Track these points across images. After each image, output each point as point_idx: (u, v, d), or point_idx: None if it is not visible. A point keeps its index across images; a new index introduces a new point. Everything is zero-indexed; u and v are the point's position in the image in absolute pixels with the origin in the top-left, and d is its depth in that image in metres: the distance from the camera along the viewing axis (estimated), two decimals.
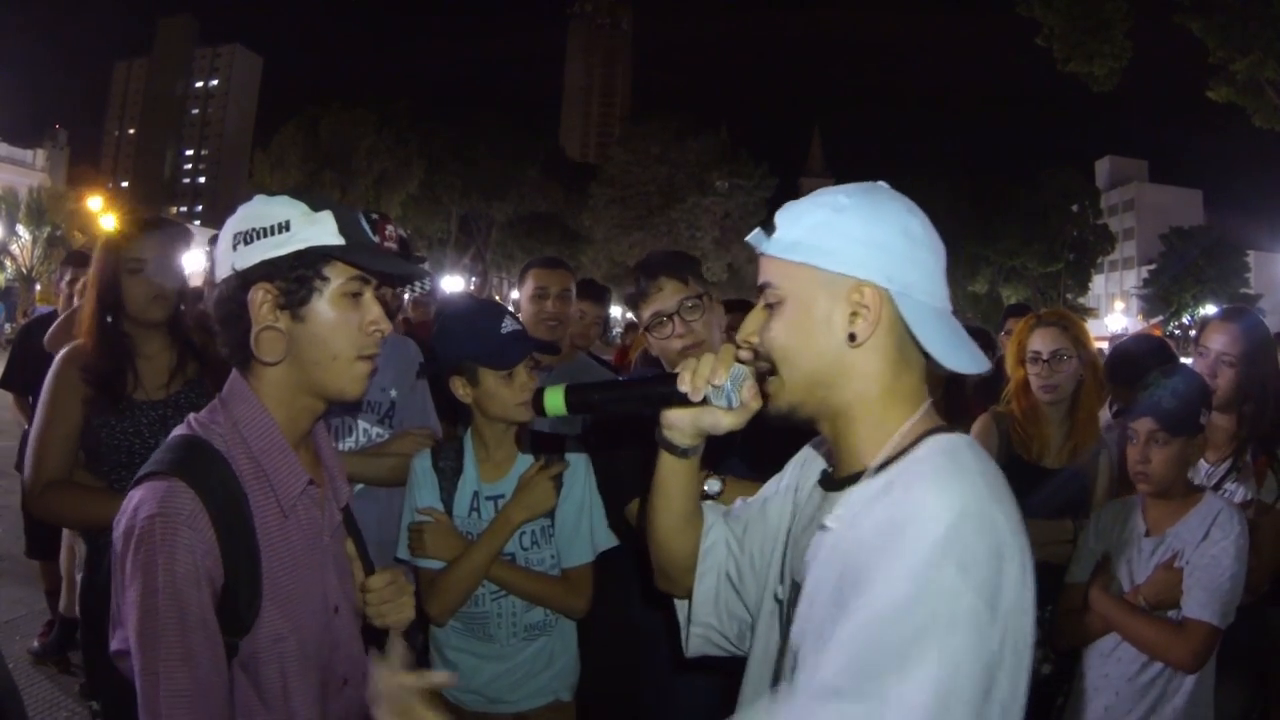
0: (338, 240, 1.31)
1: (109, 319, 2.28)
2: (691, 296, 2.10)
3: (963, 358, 1.06)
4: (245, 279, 1.29)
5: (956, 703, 0.85)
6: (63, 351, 2.31)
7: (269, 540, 1.29)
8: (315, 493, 1.41)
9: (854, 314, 1.06)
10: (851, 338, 1.06)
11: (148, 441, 2.22)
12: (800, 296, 1.09)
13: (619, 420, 2.05)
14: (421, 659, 2.15)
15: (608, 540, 2.13)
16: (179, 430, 1.34)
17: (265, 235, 1.29)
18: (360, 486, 2.37)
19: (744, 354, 1.17)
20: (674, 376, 1.21)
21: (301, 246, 1.28)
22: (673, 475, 1.31)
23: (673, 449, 1.29)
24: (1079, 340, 2.74)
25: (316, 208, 1.32)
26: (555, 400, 1.27)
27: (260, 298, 1.29)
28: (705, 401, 1.19)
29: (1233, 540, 2.09)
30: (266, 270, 1.28)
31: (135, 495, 1.23)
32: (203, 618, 1.19)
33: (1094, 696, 2.22)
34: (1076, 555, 2.42)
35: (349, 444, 2.51)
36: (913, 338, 1.07)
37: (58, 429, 2.21)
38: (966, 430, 2.88)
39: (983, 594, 0.89)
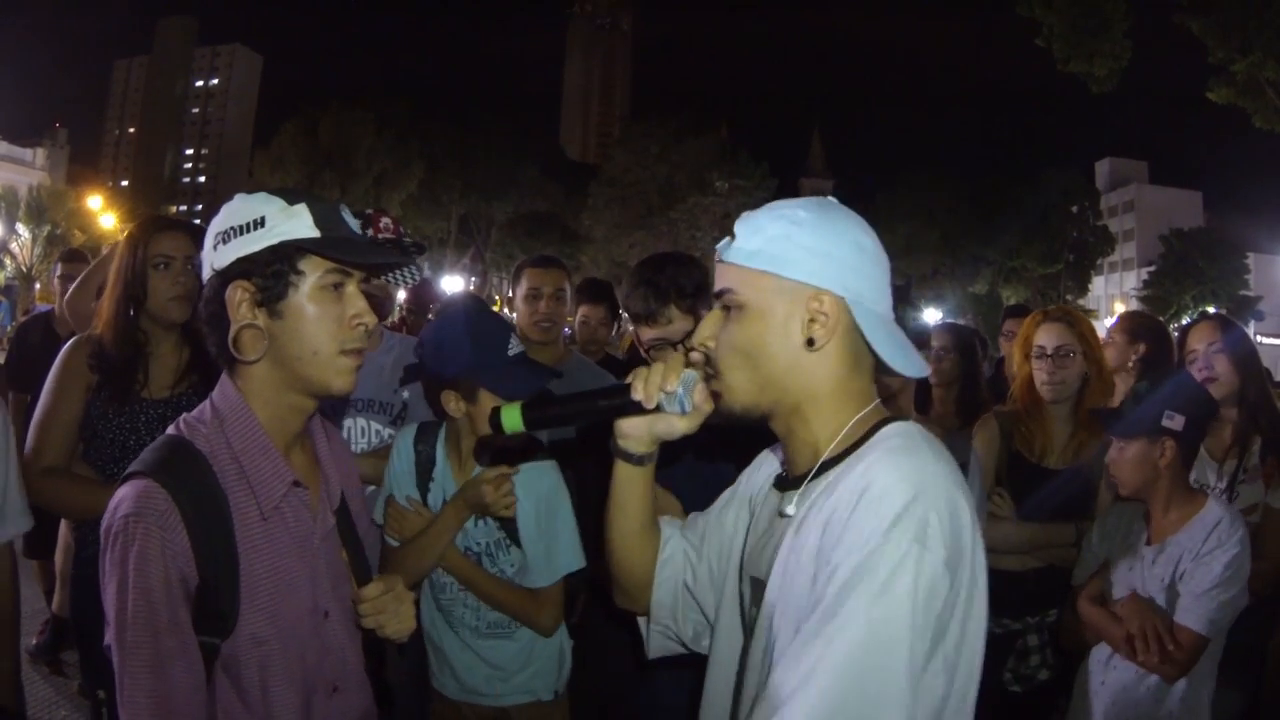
0: (313, 233, 1.29)
1: (130, 312, 2.28)
2: None
3: (908, 361, 1.15)
4: (224, 278, 1.28)
5: (891, 659, 0.93)
6: (72, 339, 2.32)
7: (249, 542, 1.28)
8: (305, 495, 1.39)
9: (812, 320, 1.14)
10: (810, 342, 1.13)
11: (144, 439, 2.22)
12: (760, 302, 1.16)
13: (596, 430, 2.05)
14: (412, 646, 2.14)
15: (572, 563, 2.06)
16: (168, 430, 1.33)
17: (241, 233, 1.28)
18: (372, 487, 2.37)
19: (696, 356, 1.22)
20: (627, 387, 1.23)
21: (275, 241, 1.27)
22: (629, 484, 1.34)
23: (628, 457, 1.32)
24: (1084, 338, 2.72)
25: (292, 202, 1.30)
26: (513, 418, 1.23)
27: (238, 296, 1.28)
28: (659, 408, 1.21)
29: (1227, 550, 2.06)
30: (243, 268, 1.27)
31: (118, 494, 1.24)
32: (173, 618, 1.18)
33: (1092, 702, 2.22)
34: (1082, 558, 2.42)
35: (362, 445, 2.52)
36: (864, 342, 1.15)
37: (60, 415, 2.22)
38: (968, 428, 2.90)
39: (943, 560, 0.97)
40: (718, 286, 1.20)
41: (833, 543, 1.01)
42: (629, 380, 1.23)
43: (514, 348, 1.98)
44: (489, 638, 2.07)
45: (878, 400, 1.20)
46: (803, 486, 1.15)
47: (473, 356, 1.92)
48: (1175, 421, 2.15)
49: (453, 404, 1.98)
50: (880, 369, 1.18)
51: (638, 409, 1.22)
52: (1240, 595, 2.06)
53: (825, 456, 1.15)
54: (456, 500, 1.99)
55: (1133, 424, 2.18)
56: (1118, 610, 2.15)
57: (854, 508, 1.01)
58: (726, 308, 1.18)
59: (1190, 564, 2.09)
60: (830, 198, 1.23)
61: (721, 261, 1.20)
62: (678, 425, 1.24)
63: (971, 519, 1.04)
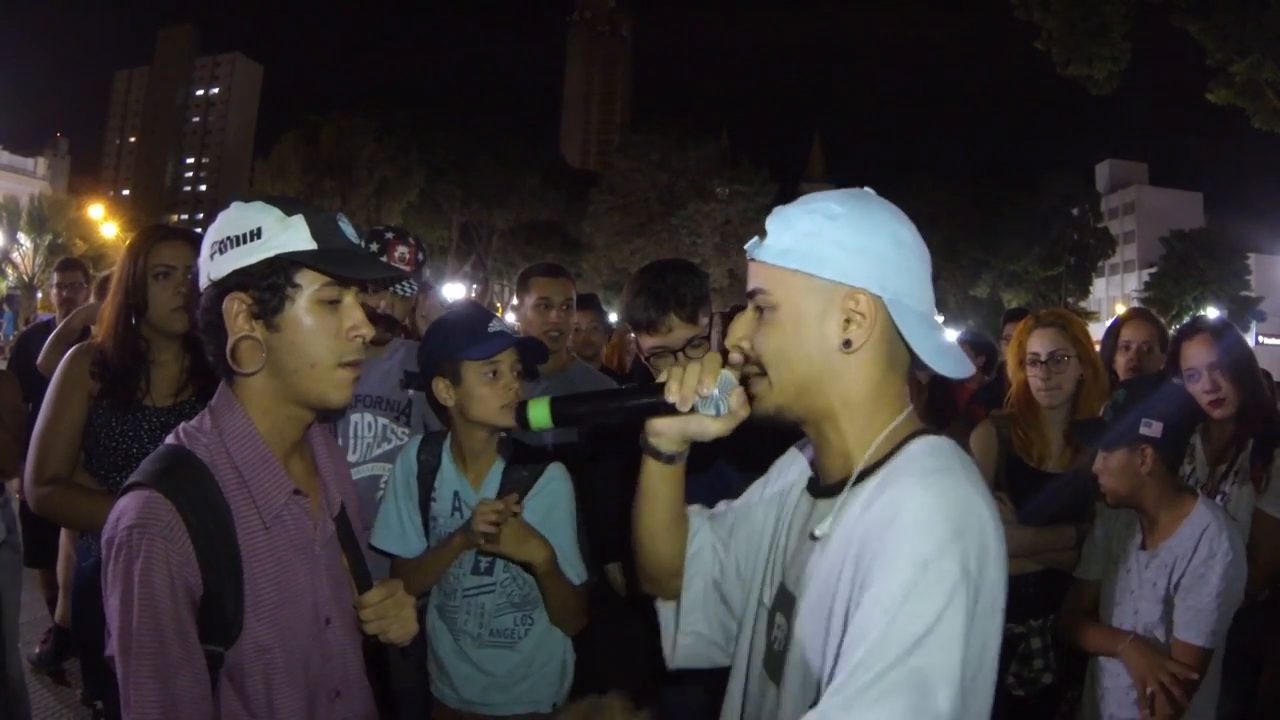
0: (310, 245, 1.28)
1: (131, 320, 2.26)
2: (699, 336, 2.02)
3: (951, 363, 1.10)
4: (221, 289, 1.27)
5: (950, 682, 0.91)
6: (74, 347, 2.31)
7: (252, 551, 1.28)
8: (305, 503, 1.39)
9: (848, 321, 1.08)
10: (846, 344, 1.08)
11: (146, 447, 2.20)
12: (794, 303, 1.11)
13: (606, 429, 2.04)
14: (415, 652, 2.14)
15: (575, 577, 2.05)
16: (167, 440, 1.33)
17: (238, 244, 1.27)
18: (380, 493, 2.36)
19: (735, 357, 1.18)
20: (660, 386, 1.19)
21: (271, 254, 1.26)
22: (659, 481, 1.30)
23: (658, 455, 1.28)
24: (1078, 340, 2.70)
25: (289, 212, 1.29)
26: (540, 413, 1.20)
27: (235, 308, 1.27)
28: (693, 410, 1.18)
29: (1219, 558, 2.05)
30: (240, 279, 1.27)
31: (119, 505, 1.23)
32: (179, 628, 1.18)
33: (1101, 704, 2.22)
34: (1087, 551, 2.41)
35: (367, 439, 2.52)
36: (903, 343, 1.10)
37: (62, 425, 2.21)
38: (957, 434, 2.90)
39: (971, 584, 0.94)
40: (750, 286, 1.15)
41: (868, 572, 0.97)
42: (662, 379, 1.20)
43: (495, 326, 1.99)
44: (490, 646, 2.05)
45: (910, 408, 1.15)
46: (836, 503, 1.10)
47: (454, 337, 1.98)
48: (1153, 429, 2.14)
49: (443, 392, 2.00)
50: (916, 365, 1.13)
51: (670, 410, 1.18)
52: (1238, 595, 2.07)
53: (859, 469, 1.10)
54: (465, 529, 1.97)
55: (1113, 437, 2.18)
56: (1123, 658, 2.14)
57: (891, 536, 0.96)
58: (759, 308, 1.14)
59: (1186, 577, 2.07)
60: (867, 189, 1.17)
61: (753, 260, 1.15)
62: (711, 428, 1.21)
63: (1000, 541, 1.00)
